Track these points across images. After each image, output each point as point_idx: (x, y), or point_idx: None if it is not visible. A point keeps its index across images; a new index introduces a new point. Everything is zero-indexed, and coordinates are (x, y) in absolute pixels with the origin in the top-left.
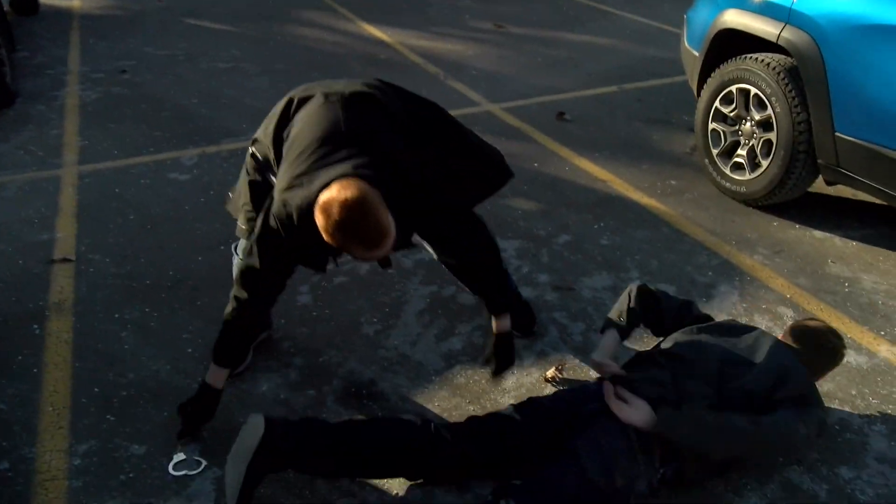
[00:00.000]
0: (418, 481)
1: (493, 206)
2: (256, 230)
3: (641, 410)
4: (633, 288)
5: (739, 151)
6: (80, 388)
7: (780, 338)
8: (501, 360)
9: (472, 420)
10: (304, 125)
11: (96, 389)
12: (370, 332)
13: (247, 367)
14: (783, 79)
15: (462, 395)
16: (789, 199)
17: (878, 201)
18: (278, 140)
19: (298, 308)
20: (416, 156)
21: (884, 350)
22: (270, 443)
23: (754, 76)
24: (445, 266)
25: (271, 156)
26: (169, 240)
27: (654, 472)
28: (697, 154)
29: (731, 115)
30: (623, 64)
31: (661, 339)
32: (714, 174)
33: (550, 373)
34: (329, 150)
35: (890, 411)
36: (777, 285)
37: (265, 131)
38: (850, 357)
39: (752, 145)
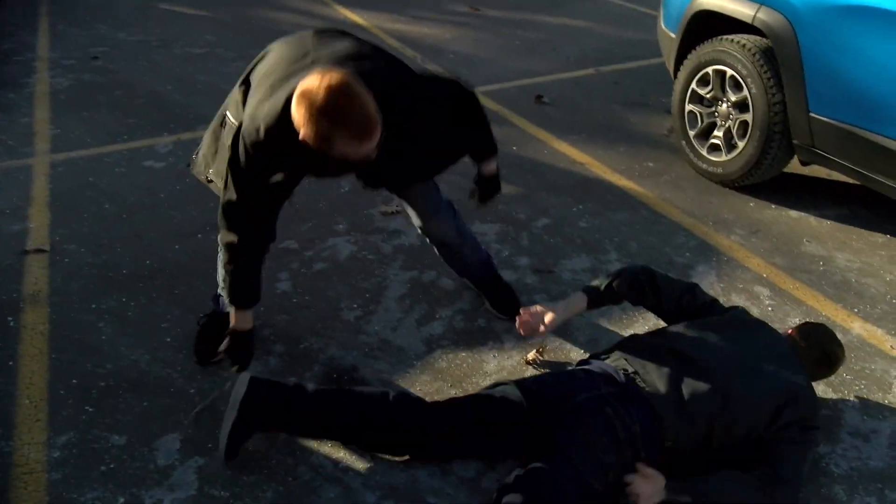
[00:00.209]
0: (403, 458)
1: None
2: (227, 160)
3: (662, 488)
4: (632, 269)
5: (716, 133)
6: (58, 380)
7: (789, 333)
8: (486, 190)
9: (456, 399)
10: (272, 56)
11: (74, 381)
12: (351, 318)
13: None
14: (758, 60)
15: (444, 379)
16: (765, 180)
17: (851, 181)
18: (247, 87)
19: (278, 295)
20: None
21: (857, 327)
22: (256, 397)
23: (730, 57)
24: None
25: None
26: (145, 228)
27: (638, 460)
28: (674, 136)
29: (708, 96)
30: (601, 46)
31: (666, 325)
32: (691, 155)
33: (531, 355)
34: (299, 66)
35: (863, 386)
36: (753, 265)
37: (235, 89)
38: None
39: (729, 126)
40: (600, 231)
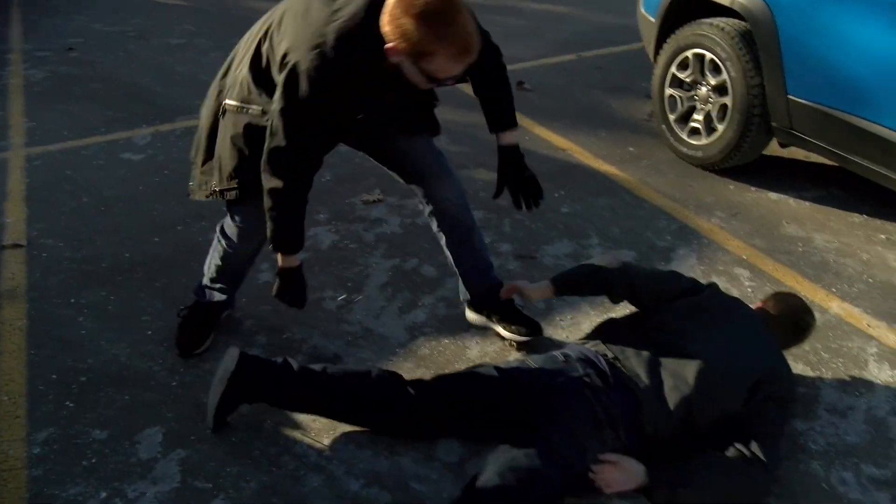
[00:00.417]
0: (384, 437)
1: None
2: (278, 107)
3: (634, 474)
4: (609, 273)
5: (696, 116)
6: (37, 376)
7: (759, 305)
8: (529, 192)
9: (442, 376)
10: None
11: (54, 376)
12: (333, 308)
13: (206, 348)
14: (738, 43)
15: (427, 367)
16: (745, 163)
17: (829, 163)
18: (257, 59)
19: (260, 285)
20: None
21: (835, 306)
22: (245, 372)
23: (709, 41)
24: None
25: (249, 88)
26: (124, 221)
27: (618, 443)
28: (655, 120)
29: (688, 80)
30: (581, 31)
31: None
32: (671, 139)
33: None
34: None
35: (840, 364)
36: (733, 247)
37: (236, 72)
38: None
39: (708, 110)
40: (582, 216)
